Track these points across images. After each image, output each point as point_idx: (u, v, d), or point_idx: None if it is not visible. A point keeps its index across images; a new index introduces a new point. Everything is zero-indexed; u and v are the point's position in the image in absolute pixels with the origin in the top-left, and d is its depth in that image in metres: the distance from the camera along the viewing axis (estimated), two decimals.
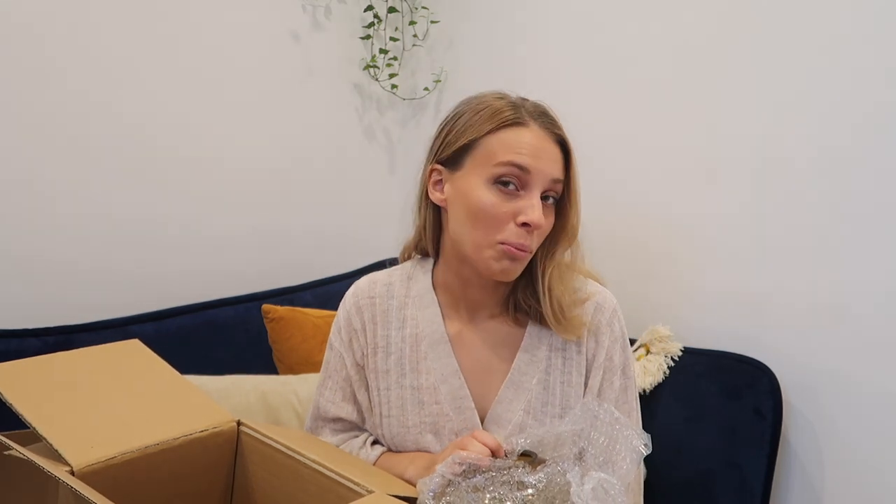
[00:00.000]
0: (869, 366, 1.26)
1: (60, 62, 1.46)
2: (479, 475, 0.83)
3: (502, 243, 0.95)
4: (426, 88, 1.98)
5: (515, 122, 0.96)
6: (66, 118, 1.48)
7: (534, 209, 0.94)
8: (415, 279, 1.08)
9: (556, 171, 0.97)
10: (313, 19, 1.85)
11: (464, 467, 0.84)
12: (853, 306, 1.28)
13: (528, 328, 1.04)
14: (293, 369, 1.52)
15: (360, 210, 1.99)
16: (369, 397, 1.07)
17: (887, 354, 1.24)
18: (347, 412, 1.07)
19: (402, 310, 1.06)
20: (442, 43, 1.96)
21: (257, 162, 1.78)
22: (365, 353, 1.06)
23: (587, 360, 1.03)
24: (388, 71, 1.96)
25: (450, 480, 0.83)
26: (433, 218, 1.05)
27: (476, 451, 0.87)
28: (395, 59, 1.97)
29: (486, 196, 0.95)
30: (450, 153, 0.99)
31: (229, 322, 1.61)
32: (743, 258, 1.42)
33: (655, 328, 1.48)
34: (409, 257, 1.12)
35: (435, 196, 1.02)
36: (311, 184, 1.89)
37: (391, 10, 1.93)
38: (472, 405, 1.01)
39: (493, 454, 0.88)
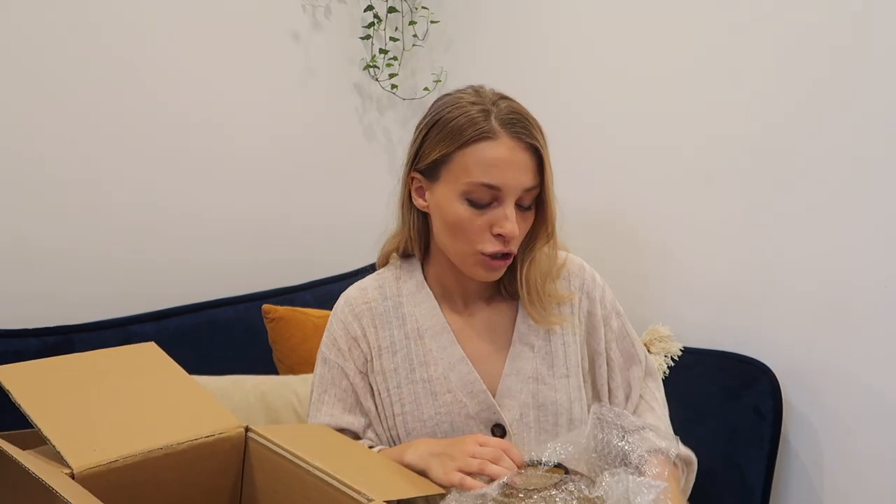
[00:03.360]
0: (869, 366, 1.26)
1: (58, 59, 1.46)
2: (537, 495, 0.83)
3: (482, 253, 0.98)
4: (426, 88, 1.98)
5: (484, 137, 0.94)
6: (66, 122, 1.48)
7: (508, 220, 0.95)
8: (404, 279, 1.09)
9: (528, 180, 0.96)
10: (313, 19, 1.85)
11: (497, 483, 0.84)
12: (853, 306, 1.28)
13: (520, 305, 1.08)
14: (293, 369, 1.52)
15: (360, 210, 1.99)
16: (375, 403, 1.07)
17: (887, 354, 1.24)
18: (348, 422, 1.07)
19: (399, 308, 1.07)
20: (442, 43, 1.96)
21: (257, 161, 1.78)
22: (368, 359, 1.06)
23: (581, 317, 1.08)
24: (388, 71, 1.96)
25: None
26: (420, 222, 1.06)
27: (506, 467, 0.87)
28: (395, 59, 1.97)
29: (461, 210, 0.96)
30: (425, 165, 1.00)
31: (229, 322, 1.61)
32: (743, 258, 1.42)
33: (655, 328, 1.48)
34: (386, 262, 1.13)
35: (418, 202, 1.03)
36: (310, 183, 1.89)
37: (391, 10, 1.93)
38: (484, 387, 1.03)
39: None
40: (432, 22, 1.94)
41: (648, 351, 1.47)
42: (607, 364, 1.09)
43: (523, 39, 1.78)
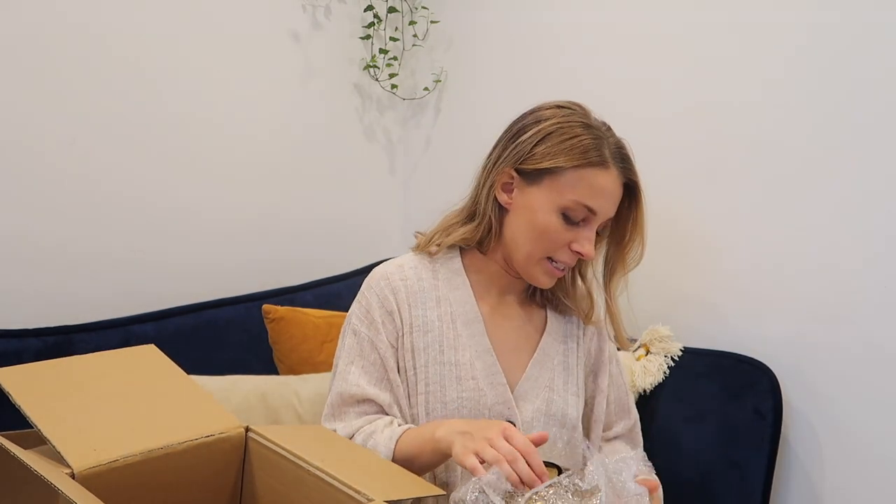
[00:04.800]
0: (869, 366, 1.26)
1: (65, 56, 1.46)
2: (534, 493, 0.84)
3: (552, 261, 1.06)
4: (426, 88, 1.98)
5: (599, 165, 1.02)
6: (66, 122, 1.48)
7: (590, 242, 1.04)
8: (441, 263, 1.13)
9: (614, 210, 1.07)
10: (313, 19, 1.85)
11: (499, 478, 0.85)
12: (853, 306, 1.28)
13: (549, 315, 1.16)
14: (294, 370, 1.52)
15: (360, 210, 1.99)
16: (403, 379, 1.08)
17: (887, 354, 1.24)
18: (375, 394, 1.06)
19: (434, 291, 1.11)
20: (442, 43, 1.96)
21: (257, 162, 1.78)
22: (400, 334, 1.08)
23: (589, 352, 1.17)
24: (388, 71, 1.96)
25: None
26: (499, 215, 1.10)
27: (519, 471, 0.86)
28: (395, 59, 1.97)
29: (553, 221, 1.03)
30: (530, 169, 1.04)
31: (229, 322, 1.61)
32: (744, 258, 1.42)
33: (655, 328, 1.48)
34: (427, 244, 1.13)
35: (502, 197, 1.08)
36: (310, 183, 1.89)
37: (391, 10, 1.93)
38: (504, 381, 1.07)
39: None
40: (432, 22, 1.94)
41: (648, 351, 1.47)
42: (606, 404, 1.18)
43: (523, 39, 1.77)
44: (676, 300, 1.52)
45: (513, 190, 1.07)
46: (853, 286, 1.28)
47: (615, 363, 1.21)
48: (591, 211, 1.03)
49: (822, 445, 1.32)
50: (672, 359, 1.44)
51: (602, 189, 1.02)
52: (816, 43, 1.30)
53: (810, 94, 1.31)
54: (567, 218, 1.03)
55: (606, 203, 1.04)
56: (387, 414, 1.06)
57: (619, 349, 1.22)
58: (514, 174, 1.06)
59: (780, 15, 1.34)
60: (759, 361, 1.36)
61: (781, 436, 1.32)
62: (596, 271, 1.17)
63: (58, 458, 0.76)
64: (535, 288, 1.15)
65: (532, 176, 1.04)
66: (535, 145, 1.04)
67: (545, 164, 1.02)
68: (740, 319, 1.42)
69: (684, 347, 1.46)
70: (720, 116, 1.43)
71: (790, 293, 1.35)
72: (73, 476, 0.74)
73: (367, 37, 1.93)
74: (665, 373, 1.44)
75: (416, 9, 1.95)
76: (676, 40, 1.49)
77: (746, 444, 1.31)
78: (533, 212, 1.04)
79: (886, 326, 1.24)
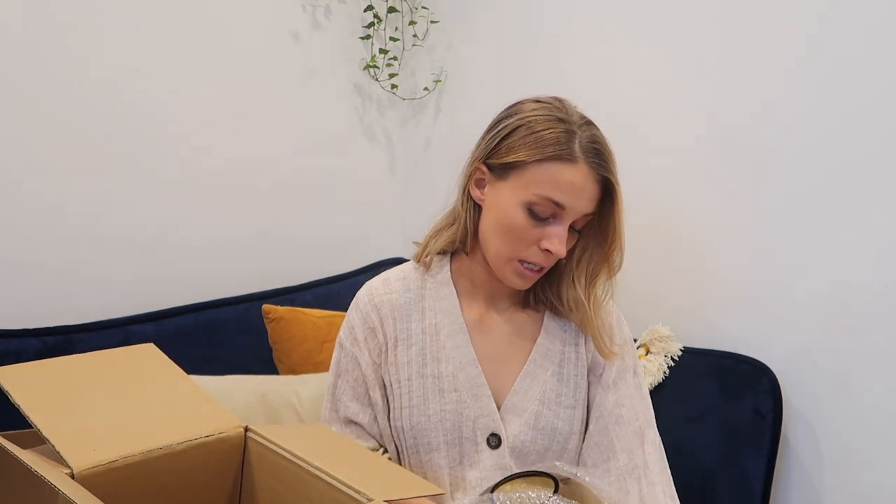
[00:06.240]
0: (869, 366, 1.26)
1: (58, 62, 1.46)
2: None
3: (521, 261, 1.01)
4: (426, 88, 1.98)
5: (565, 159, 0.98)
6: (66, 119, 1.48)
7: (560, 240, 0.99)
8: (431, 273, 1.11)
9: (589, 207, 1.01)
10: (313, 19, 1.85)
11: None
12: (854, 307, 1.28)
13: (545, 321, 1.10)
14: (294, 370, 1.52)
15: (360, 210, 1.99)
16: (384, 395, 1.08)
17: (887, 354, 1.24)
18: (354, 411, 1.08)
19: (420, 302, 1.09)
20: (442, 43, 1.96)
21: (257, 162, 1.78)
22: (383, 350, 1.08)
23: (593, 359, 1.10)
24: (388, 71, 1.96)
25: None
26: (476, 213, 1.07)
27: None
28: (395, 59, 1.97)
29: (519, 217, 0.99)
30: (498, 163, 1.02)
31: (229, 322, 1.61)
32: (743, 258, 1.41)
33: (655, 328, 1.48)
34: (422, 253, 1.11)
35: (474, 193, 1.06)
36: (310, 184, 1.89)
37: (391, 10, 1.93)
38: (489, 392, 1.05)
39: None
40: (432, 22, 1.94)
41: (648, 351, 1.47)
42: (616, 422, 1.06)
43: (523, 40, 1.77)
44: (677, 300, 1.52)
45: (485, 185, 1.04)
46: (853, 286, 1.27)
47: (631, 374, 1.10)
48: (558, 206, 0.98)
49: (822, 445, 1.32)
50: (672, 359, 1.44)
51: (569, 184, 0.98)
52: (818, 47, 1.30)
53: (811, 97, 1.31)
54: (534, 214, 0.99)
55: (574, 198, 0.98)
56: (369, 432, 1.08)
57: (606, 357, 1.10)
58: (485, 169, 1.04)
59: (781, 18, 1.34)
60: (759, 361, 1.36)
61: (781, 436, 1.32)
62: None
63: (57, 459, 0.76)
64: (532, 294, 1.11)
65: (500, 170, 1.02)
66: (502, 139, 1.01)
67: (510, 158, 1.00)
68: (740, 319, 1.42)
69: (684, 347, 1.46)
70: (721, 118, 1.43)
71: (790, 293, 1.35)
72: (72, 476, 0.74)
73: (367, 37, 1.93)
74: (665, 373, 1.44)
75: (416, 9, 1.95)
76: (676, 43, 1.49)
77: (746, 444, 1.31)
78: (501, 208, 1.01)
79: (886, 327, 1.24)
